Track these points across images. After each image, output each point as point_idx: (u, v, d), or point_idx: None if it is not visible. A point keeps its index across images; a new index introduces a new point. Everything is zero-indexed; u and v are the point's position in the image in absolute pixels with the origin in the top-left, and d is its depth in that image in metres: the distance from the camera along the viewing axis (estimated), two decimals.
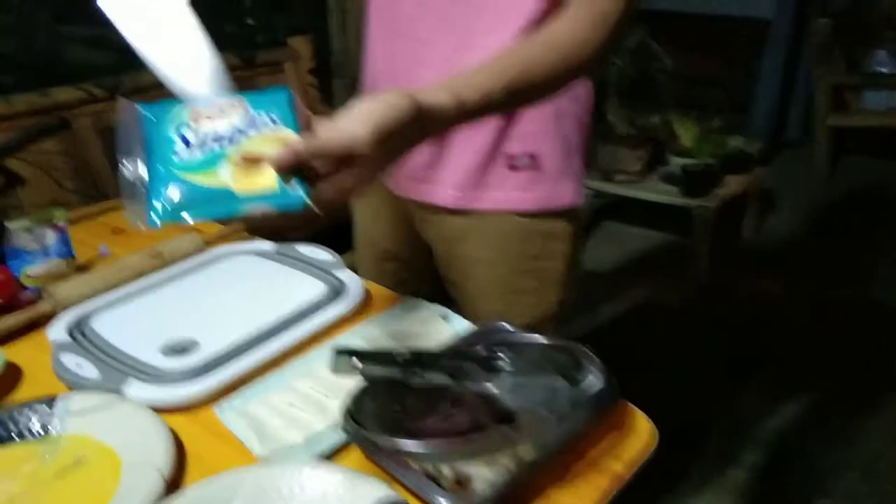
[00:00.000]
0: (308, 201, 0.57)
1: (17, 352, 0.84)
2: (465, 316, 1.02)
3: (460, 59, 0.83)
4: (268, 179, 0.58)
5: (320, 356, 0.79)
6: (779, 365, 2.15)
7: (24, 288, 0.92)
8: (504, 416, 0.68)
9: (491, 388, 0.68)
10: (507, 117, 0.88)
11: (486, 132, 0.89)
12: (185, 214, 0.57)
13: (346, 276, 0.95)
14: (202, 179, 0.58)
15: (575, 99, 0.91)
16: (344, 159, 0.58)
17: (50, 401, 0.71)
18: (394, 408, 0.68)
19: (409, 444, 0.58)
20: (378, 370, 0.68)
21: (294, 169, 0.57)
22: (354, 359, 0.66)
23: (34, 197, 1.96)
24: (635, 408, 0.72)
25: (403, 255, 1.10)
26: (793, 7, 3.50)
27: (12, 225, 0.94)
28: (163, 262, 0.99)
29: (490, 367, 0.73)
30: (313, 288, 0.91)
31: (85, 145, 2.08)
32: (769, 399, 2.01)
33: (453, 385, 0.68)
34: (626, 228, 3.04)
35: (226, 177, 0.58)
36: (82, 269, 1.05)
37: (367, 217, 1.13)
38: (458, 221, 0.95)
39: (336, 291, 0.91)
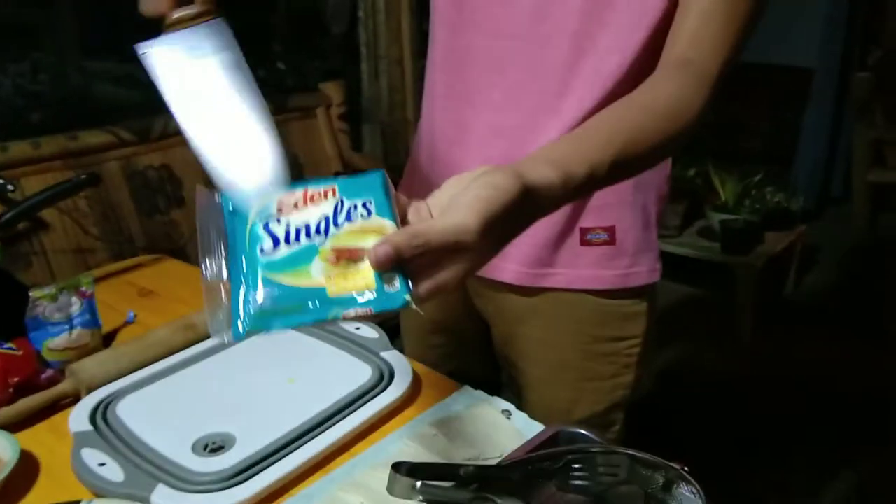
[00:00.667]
0: (410, 300, 0.49)
1: (33, 439, 0.76)
2: (525, 402, 0.95)
3: (541, 125, 0.77)
4: (365, 277, 0.49)
5: (368, 461, 0.71)
6: (833, 434, 2.03)
7: (46, 364, 0.85)
8: None
9: None
10: None
11: None
12: (275, 322, 0.49)
13: (394, 357, 0.87)
14: (292, 280, 0.49)
15: (657, 167, 0.83)
16: (448, 251, 0.50)
17: None
18: None
19: None
20: (443, 495, 0.59)
21: (395, 265, 0.49)
22: (418, 484, 0.57)
23: (58, 243, 1.91)
24: None
25: (455, 327, 1.01)
26: (837, 57, 3.42)
27: (36, 294, 0.87)
28: (196, 335, 0.92)
29: (568, 487, 0.65)
30: (359, 372, 0.83)
31: (112, 190, 2.03)
32: (825, 474, 1.88)
33: None
34: (663, 284, 2.93)
35: (318, 276, 0.50)
36: (108, 339, 0.98)
37: None
38: (523, 300, 0.87)
39: (382, 375, 0.83)
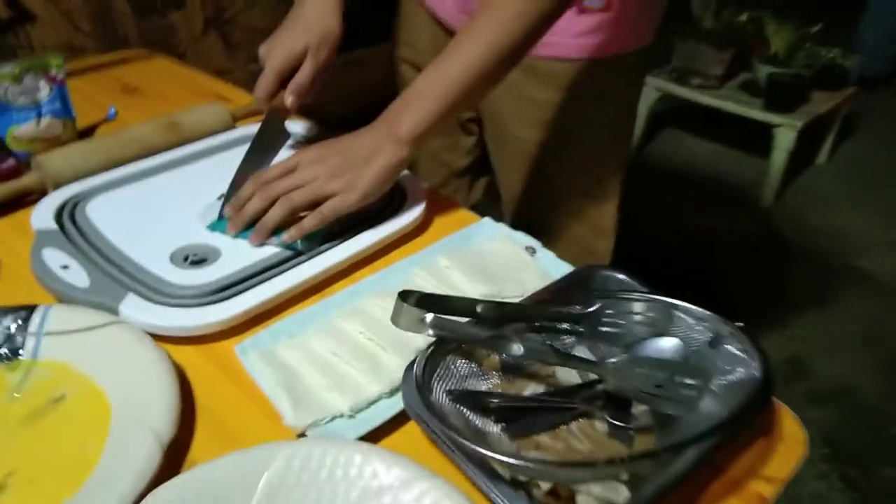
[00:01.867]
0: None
1: None
2: (501, 180, 0.92)
3: None
4: None
5: (370, 287, 0.62)
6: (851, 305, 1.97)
7: (9, 153, 0.74)
8: (619, 404, 0.51)
9: (604, 370, 0.51)
10: None
11: None
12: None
13: (407, 179, 0.76)
14: None
15: None
16: None
17: (25, 313, 0.55)
18: (474, 383, 0.51)
19: (506, 458, 0.41)
20: (456, 330, 0.50)
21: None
22: (428, 315, 0.48)
23: (45, 37, 1.74)
24: (787, 409, 0.54)
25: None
26: None
27: None
28: (180, 136, 0.80)
29: (599, 335, 0.56)
30: None
31: None
32: (835, 348, 1.84)
33: (553, 358, 0.50)
34: (692, 140, 2.76)
35: None
36: (84, 135, 0.87)
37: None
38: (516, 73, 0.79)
39: (392, 196, 0.72)
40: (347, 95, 2.00)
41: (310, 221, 0.63)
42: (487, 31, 0.62)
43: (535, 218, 0.89)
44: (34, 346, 0.54)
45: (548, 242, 0.81)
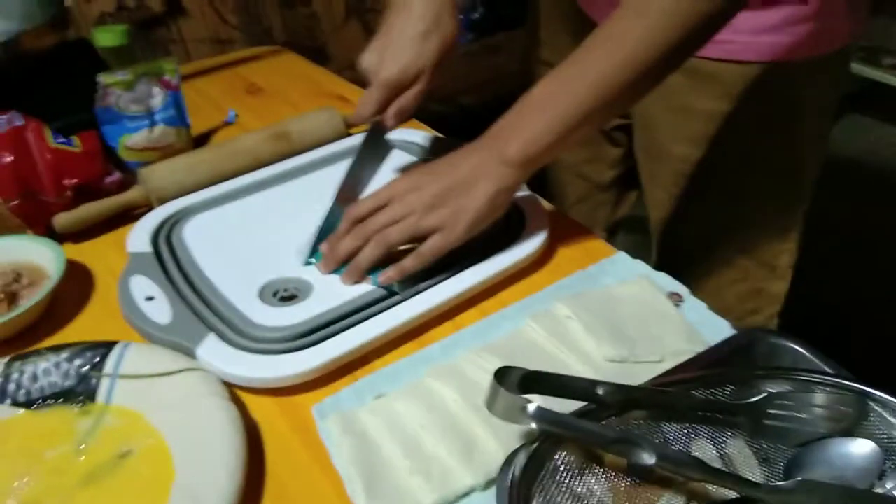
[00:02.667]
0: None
1: (94, 253, 0.65)
2: (651, 199, 0.78)
3: None
4: None
5: (475, 338, 0.52)
6: None
7: (117, 165, 0.72)
8: None
9: (766, 497, 0.38)
10: None
11: None
12: None
13: (524, 199, 0.65)
14: None
15: None
16: None
17: (102, 351, 0.51)
18: (590, 483, 0.40)
19: None
20: (568, 427, 0.39)
21: None
22: (530, 406, 0.38)
23: (195, 31, 1.79)
24: None
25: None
26: None
27: (107, 79, 0.72)
28: (290, 145, 0.75)
29: (763, 430, 0.43)
30: None
31: None
32: None
33: (696, 475, 0.38)
34: (880, 127, 2.40)
35: None
36: (200, 141, 0.84)
37: None
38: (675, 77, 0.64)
39: (509, 222, 0.62)
40: (480, 84, 1.90)
41: (410, 262, 0.55)
42: (631, 34, 0.49)
43: (688, 249, 0.75)
44: (108, 388, 0.50)
45: (701, 281, 0.68)
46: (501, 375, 0.39)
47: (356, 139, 0.77)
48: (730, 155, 0.69)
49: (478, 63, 2.02)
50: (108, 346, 0.51)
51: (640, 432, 0.42)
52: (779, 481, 0.41)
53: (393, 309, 0.54)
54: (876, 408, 0.42)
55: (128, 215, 0.69)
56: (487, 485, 0.43)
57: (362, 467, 0.43)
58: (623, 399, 0.42)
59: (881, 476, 0.40)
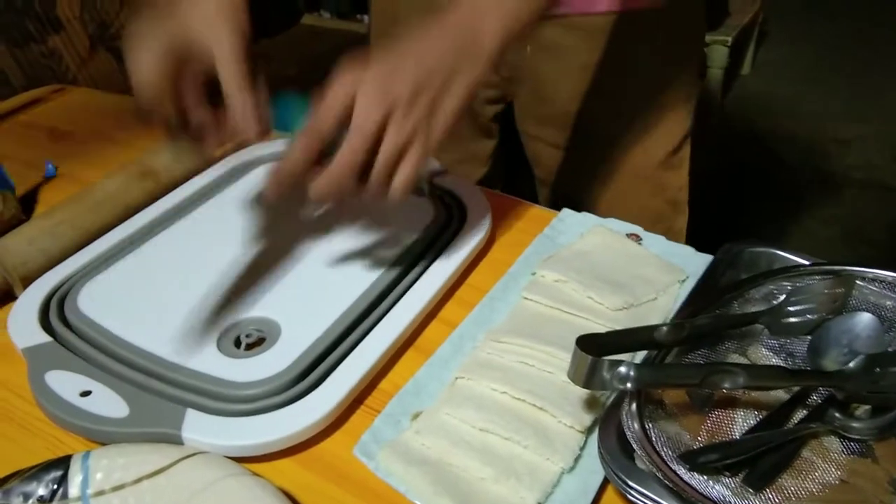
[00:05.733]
0: None
1: None
2: (539, 157, 0.78)
3: None
4: None
5: (479, 326, 0.50)
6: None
7: None
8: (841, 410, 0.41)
9: (845, 380, 0.41)
10: None
11: None
12: None
13: (453, 183, 0.63)
14: None
15: None
16: None
17: (58, 472, 0.40)
18: (675, 432, 0.40)
19: None
20: (666, 378, 0.39)
21: None
22: (630, 370, 0.37)
23: None
24: None
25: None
26: None
27: None
28: (158, 183, 0.64)
29: (783, 328, 0.46)
30: (416, 207, 0.59)
31: None
32: None
33: (785, 381, 0.40)
34: None
35: None
36: (27, 205, 0.69)
37: None
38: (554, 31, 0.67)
39: (450, 210, 0.60)
40: None
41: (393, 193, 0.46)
42: None
43: (586, 196, 0.77)
44: None
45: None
46: (585, 347, 0.38)
47: (232, 160, 0.68)
48: (614, 80, 0.71)
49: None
50: (58, 464, 0.40)
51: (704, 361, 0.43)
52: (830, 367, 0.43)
53: (380, 324, 0.49)
54: (858, 282, 0.48)
55: None
56: (574, 465, 0.41)
57: (446, 490, 0.39)
58: (677, 336, 0.42)
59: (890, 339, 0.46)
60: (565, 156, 0.76)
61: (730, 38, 2.20)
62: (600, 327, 0.48)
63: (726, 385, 0.38)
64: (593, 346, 0.38)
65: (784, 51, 2.81)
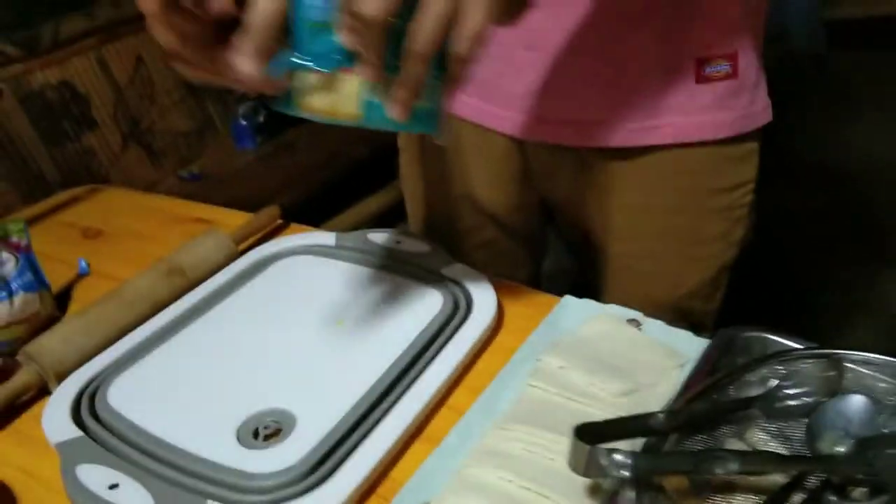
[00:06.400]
0: None
1: None
2: (611, 290, 0.77)
3: None
4: None
5: (485, 415, 0.52)
6: None
7: None
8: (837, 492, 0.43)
9: (837, 463, 0.42)
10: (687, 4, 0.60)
11: (657, 32, 0.61)
12: None
13: (462, 273, 0.66)
14: None
15: None
16: None
17: None
18: None
19: None
20: (662, 466, 0.41)
21: None
22: (627, 459, 0.39)
23: None
24: None
25: (507, 220, 0.82)
26: None
27: None
28: (185, 280, 0.68)
29: (777, 412, 0.48)
30: (426, 300, 0.63)
31: (6, 119, 1.67)
32: None
33: (775, 466, 0.42)
34: None
35: None
36: (61, 302, 0.73)
37: (446, 171, 0.82)
38: (617, 166, 0.68)
39: (456, 301, 0.63)
40: (287, 182, 1.89)
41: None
42: None
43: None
44: None
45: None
46: (582, 436, 0.40)
47: (254, 255, 0.72)
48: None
49: (276, 163, 2.00)
50: None
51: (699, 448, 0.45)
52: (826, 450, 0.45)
53: (391, 413, 0.52)
54: (849, 365, 0.49)
55: (11, 409, 0.58)
56: None
57: None
58: (673, 423, 0.44)
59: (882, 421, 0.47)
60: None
61: None
62: (602, 413, 0.50)
63: (719, 471, 0.40)
64: (591, 435, 0.40)
65: None
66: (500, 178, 0.77)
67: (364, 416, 0.51)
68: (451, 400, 0.55)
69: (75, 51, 1.81)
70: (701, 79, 0.63)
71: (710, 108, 0.64)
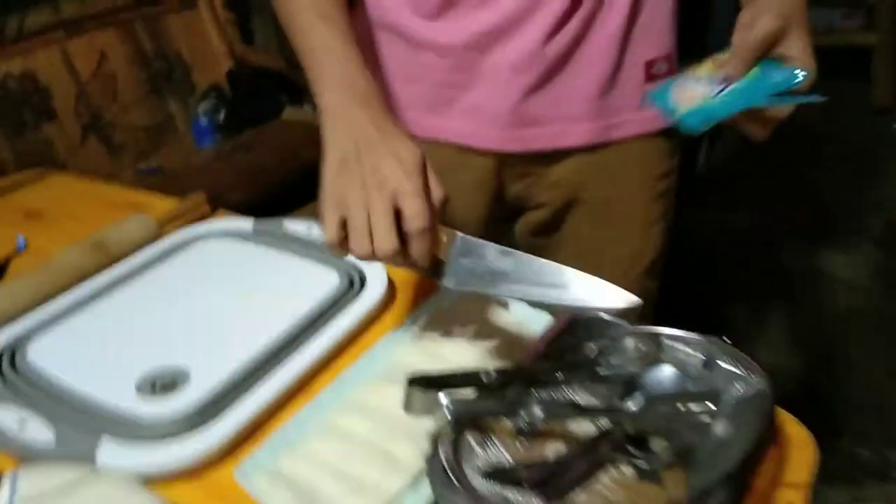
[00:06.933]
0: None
1: None
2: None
3: None
4: None
5: (360, 375, 0.60)
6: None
7: None
8: (639, 445, 0.51)
9: (623, 416, 0.51)
10: (629, 13, 0.72)
11: (610, 39, 0.72)
12: None
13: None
14: None
15: None
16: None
17: None
18: (496, 456, 0.50)
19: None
20: (475, 408, 0.49)
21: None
22: (443, 399, 0.47)
23: None
24: (787, 414, 0.56)
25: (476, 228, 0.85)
26: None
27: None
28: (108, 256, 0.75)
29: (599, 378, 0.56)
30: (323, 279, 0.70)
31: None
32: None
33: (573, 413, 0.50)
34: None
35: None
36: None
37: None
38: (587, 161, 0.78)
39: (351, 280, 0.71)
40: (243, 181, 1.95)
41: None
42: None
43: None
44: None
45: None
46: (414, 382, 0.48)
47: (174, 237, 0.79)
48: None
49: (233, 161, 2.06)
50: None
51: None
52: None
53: (277, 372, 0.59)
54: (666, 342, 0.58)
55: None
56: (414, 483, 0.50)
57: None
58: (502, 380, 0.52)
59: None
60: None
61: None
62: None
63: (527, 415, 0.48)
64: (423, 383, 0.48)
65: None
66: (471, 192, 0.82)
67: (251, 375, 0.59)
68: (335, 364, 0.63)
69: (40, 43, 1.86)
70: (650, 77, 0.75)
71: None
